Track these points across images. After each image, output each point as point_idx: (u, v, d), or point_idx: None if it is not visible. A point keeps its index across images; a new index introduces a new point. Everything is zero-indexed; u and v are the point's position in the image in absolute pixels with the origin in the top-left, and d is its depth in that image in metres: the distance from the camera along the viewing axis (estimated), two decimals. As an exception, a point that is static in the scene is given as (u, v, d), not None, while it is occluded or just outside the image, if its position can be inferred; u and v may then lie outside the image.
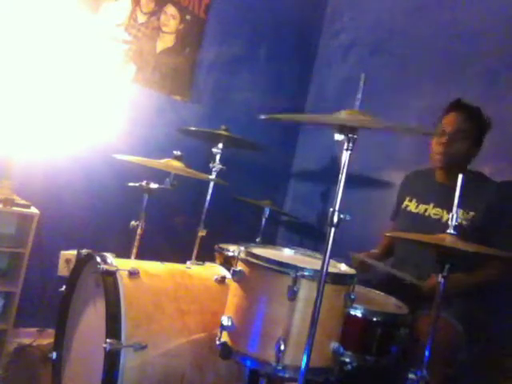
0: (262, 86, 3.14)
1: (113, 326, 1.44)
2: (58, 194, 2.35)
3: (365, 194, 2.75)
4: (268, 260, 1.35)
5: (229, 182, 2.34)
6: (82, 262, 1.73)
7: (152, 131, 2.63)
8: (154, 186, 2.00)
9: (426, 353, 1.39)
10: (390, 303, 1.78)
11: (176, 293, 1.64)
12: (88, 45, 2.43)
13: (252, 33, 3.07)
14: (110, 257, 1.60)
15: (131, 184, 1.98)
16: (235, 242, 2.30)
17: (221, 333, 1.42)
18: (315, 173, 3.24)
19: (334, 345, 1.34)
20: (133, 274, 1.57)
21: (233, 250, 2.26)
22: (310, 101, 3.36)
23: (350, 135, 1.25)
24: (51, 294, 2.18)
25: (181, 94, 2.80)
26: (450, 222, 1.41)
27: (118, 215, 2.34)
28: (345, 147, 1.27)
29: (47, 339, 2.29)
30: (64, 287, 1.78)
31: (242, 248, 1.44)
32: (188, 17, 2.77)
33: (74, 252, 2.35)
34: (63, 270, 2.38)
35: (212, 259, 2.24)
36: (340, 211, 1.24)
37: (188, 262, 1.98)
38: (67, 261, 2.40)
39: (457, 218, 1.41)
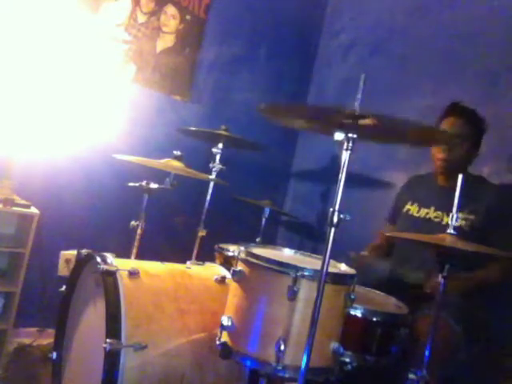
0: (262, 85, 3.15)
1: (113, 325, 1.44)
2: (58, 193, 2.35)
3: (365, 194, 2.75)
4: (268, 260, 1.35)
5: (229, 182, 2.34)
6: (81, 262, 1.73)
7: (152, 131, 2.63)
8: (154, 186, 2.00)
9: (426, 353, 1.39)
10: (390, 303, 1.78)
11: (176, 293, 1.64)
12: (88, 45, 2.43)
13: (252, 33, 3.07)
14: (110, 257, 1.60)
15: (131, 184, 1.98)
16: (235, 241, 2.30)
17: (221, 333, 1.42)
18: (315, 173, 3.24)
19: (334, 345, 1.34)
20: (133, 273, 1.57)
21: (233, 249, 2.26)
22: (310, 101, 3.36)
23: (349, 135, 1.25)
24: (51, 294, 2.18)
25: (181, 94, 2.80)
26: (450, 222, 1.41)
27: (118, 215, 2.34)
28: (345, 147, 1.27)
29: (47, 339, 2.29)
30: (64, 287, 1.78)
31: (242, 248, 1.44)
32: (188, 17, 2.77)
33: (74, 252, 2.34)
34: (63, 270, 2.38)
35: (212, 259, 2.24)
36: (340, 211, 1.24)
37: (188, 262, 1.98)
38: (67, 261, 2.40)
39: (457, 219, 1.41)
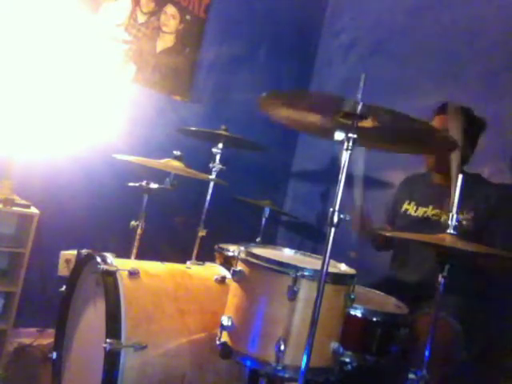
0: (262, 85, 3.14)
1: (113, 325, 1.44)
2: (58, 193, 2.35)
3: (365, 193, 2.75)
4: (268, 260, 1.35)
5: (229, 182, 2.34)
6: (81, 262, 1.73)
7: (152, 131, 2.63)
8: (154, 185, 2.00)
9: (426, 353, 1.39)
10: (390, 303, 1.78)
11: (176, 293, 1.64)
12: (88, 45, 2.43)
13: (252, 33, 3.07)
14: (110, 257, 1.60)
15: (131, 184, 1.99)
16: (235, 242, 2.30)
17: (221, 333, 1.42)
18: (315, 173, 3.24)
19: (334, 345, 1.34)
20: (133, 273, 1.57)
21: (233, 249, 2.26)
22: (310, 101, 3.36)
23: (349, 135, 1.25)
24: (51, 294, 2.17)
25: (181, 94, 2.80)
26: (449, 222, 1.41)
27: (118, 215, 2.34)
28: (345, 147, 1.27)
29: (47, 339, 2.29)
30: (64, 287, 1.78)
31: (242, 248, 1.44)
32: (188, 17, 2.77)
33: (74, 252, 2.34)
34: (63, 270, 2.38)
35: (212, 259, 2.24)
36: (340, 211, 1.24)
37: (188, 262, 1.98)
38: (67, 261, 2.40)
39: (457, 219, 1.41)
